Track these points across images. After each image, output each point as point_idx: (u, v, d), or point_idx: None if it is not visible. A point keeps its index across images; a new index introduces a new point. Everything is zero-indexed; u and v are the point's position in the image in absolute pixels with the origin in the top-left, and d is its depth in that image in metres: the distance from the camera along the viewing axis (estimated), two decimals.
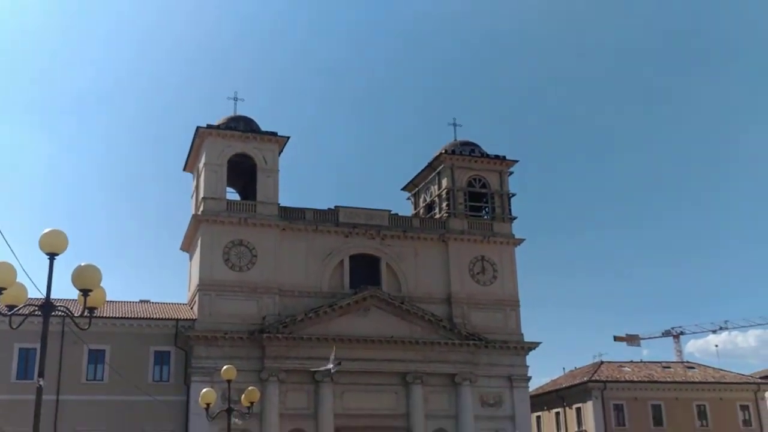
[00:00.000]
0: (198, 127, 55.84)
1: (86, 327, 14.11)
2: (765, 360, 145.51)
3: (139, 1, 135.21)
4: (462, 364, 55.07)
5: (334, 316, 53.43)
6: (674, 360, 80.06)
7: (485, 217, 61.78)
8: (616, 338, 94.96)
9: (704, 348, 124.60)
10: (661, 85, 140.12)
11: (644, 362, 71.40)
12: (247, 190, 58.59)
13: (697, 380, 66.67)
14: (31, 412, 12.81)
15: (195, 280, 54.43)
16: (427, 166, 63.38)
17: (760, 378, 70.28)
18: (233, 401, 27.04)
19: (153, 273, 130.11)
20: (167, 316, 53.41)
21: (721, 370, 70.68)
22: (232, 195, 58.63)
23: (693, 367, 71.58)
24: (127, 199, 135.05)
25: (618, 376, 65.19)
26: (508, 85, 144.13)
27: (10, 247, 15.03)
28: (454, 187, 60.21)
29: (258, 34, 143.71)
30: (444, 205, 60.52)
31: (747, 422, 65.65)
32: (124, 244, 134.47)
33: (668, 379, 66.02)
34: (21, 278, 12.68)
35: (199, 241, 54.22)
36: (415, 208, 65.73)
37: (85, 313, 13.04)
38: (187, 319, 52.42)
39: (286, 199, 56.78)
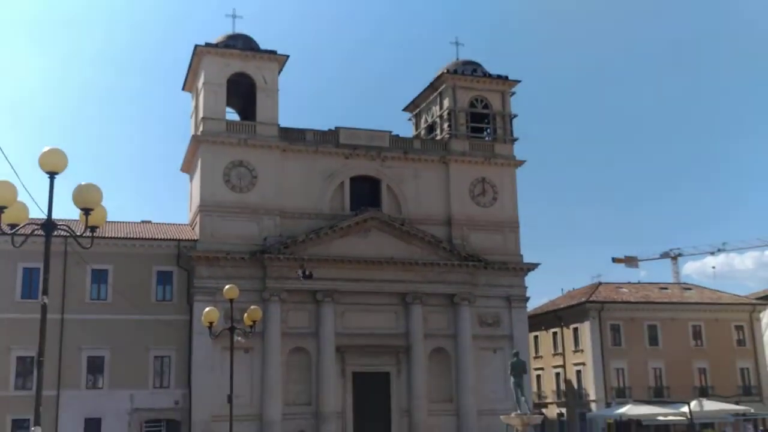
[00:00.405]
0: (196, 46, 54.97)
1: (88, 246, 14.10)
2: (761, 282, 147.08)
3: None
4: (461, 284, 55.64)
5: (335, 237, 53.71)
6: (672, 282, 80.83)
7: (487, 138, 61.46)
8: (614, 260, 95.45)
9: (702, 270, 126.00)
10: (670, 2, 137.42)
11: (642, 283, 72.23)
12: (247, 111, 58.09)
13: (693, 301, 67.55)
14: (37, 330, 12.91)
15: (196, 201, 54.52)
16: (428, 86, 62.66)
17: (756, 299, 71.19)
18: (236, 320, 27.37)
19: (154, 194, 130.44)
20: (169, 237, 53.74)
21: (718, 291, 71.54)
22: (232, 116, 58.19)
23: (690, 289, 72.43)
24: (127, 120, 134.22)
25: (615, 297, 66.01)
26: (511, 3, 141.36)
27: (11, 165, 14.93)
28: (455, 108, 59.70)
29: None
30: (445, 126, 60.11)
31: (741, 342, 66.83)
32: (125, 165, 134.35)
33: (665, 300, 66.88)
34: (22, 197, 12.62)
35: (199, 162, 54.06)
36: (416, 129, 65.32)
37: (87, 232, 13.03)
38: (189, 240, 52.73)
39: (286, 121, 56.46)
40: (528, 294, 58.12)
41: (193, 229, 55.34)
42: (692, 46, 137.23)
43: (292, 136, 55.85)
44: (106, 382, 49.55)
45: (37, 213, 13.76)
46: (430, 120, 63.60)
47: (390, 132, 58.39)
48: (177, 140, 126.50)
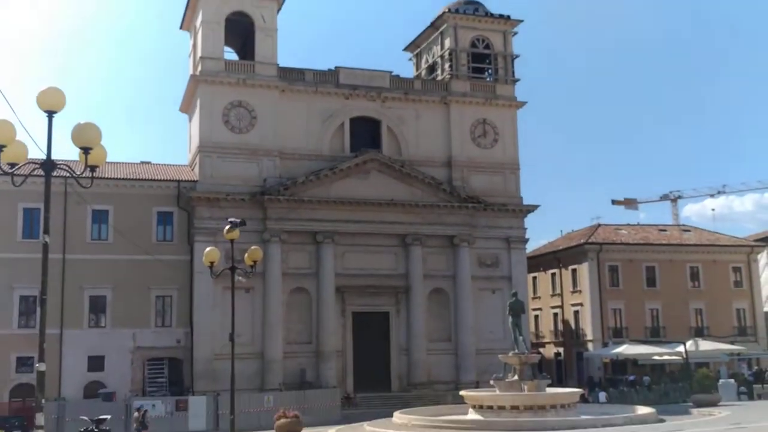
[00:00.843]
0: None
1: (88, 186, 14.11)
2: (761, 224, 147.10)
3: None
4: (460, 226, 55.82)
5: (335, 178, 53.67)
6: (671, 224, 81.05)
7: (488, 79, 60.91)
8: (614, 202, 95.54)
9: (701, 212, 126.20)
10: None
11: (641, 225, 72.41)
12: (246, 51, 57.42)
13: (691, 243, 67.85)
14: (38, 270, 12.99)
15: (195, 142, 54.31)
16: (429, 26, 61.88)
17: (755, 241, 71.51)
18: (236, 261, 27.51)
19: (153, 134, 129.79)
20: (169, 178, 53.74)
21: (716, 233, 71.80)
22: (231, 56, 57.55)
23: (688, 230, 72.65)
24: (124, 59, 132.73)
25: (614, 238, 66.28)
26: None
27: (9, 104, 14.83)
28: (456, 48, 59.04)
29: None
30: (446, 66, 59.53)
31: (738, 283, 67.33)
32: (123, 105, 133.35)
33: (663, 242, 67.17)
34: (21, 136, 12.56)
35: (198, 102, 53.68)
36: (417, 70, 64.70)
37: (87, 172, 13.01)
38: (188, 181, 52.73)
39: (285, 62, 55.84)
40: (527, 235, 58.42)
41: (192, 170, 55.25)
42: None
43: (292, 76, 55.33)
44: (108, 321, 50.11)
45: (37, 153, 13.74)
46: (431, 60, 62.95)
47: (390, 72, 57.85)
48: (177, 80, 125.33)
